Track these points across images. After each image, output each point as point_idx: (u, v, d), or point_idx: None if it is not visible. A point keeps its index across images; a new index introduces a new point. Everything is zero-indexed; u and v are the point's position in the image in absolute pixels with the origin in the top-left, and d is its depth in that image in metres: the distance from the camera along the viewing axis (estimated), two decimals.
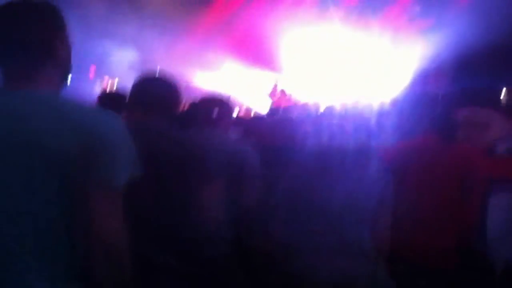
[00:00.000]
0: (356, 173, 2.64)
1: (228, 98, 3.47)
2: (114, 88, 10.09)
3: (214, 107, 3.13)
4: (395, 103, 7.84)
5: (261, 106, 11.32)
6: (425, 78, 11.34)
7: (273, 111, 8.91)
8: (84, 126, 1.50)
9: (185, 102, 10.84)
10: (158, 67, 9.37)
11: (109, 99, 3.86)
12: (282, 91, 11.81)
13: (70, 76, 1.69)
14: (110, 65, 10.32)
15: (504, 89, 9.28)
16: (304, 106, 8.71)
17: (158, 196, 2.30)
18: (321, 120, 5.26)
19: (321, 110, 8.03)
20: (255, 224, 2.98)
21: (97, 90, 9.96)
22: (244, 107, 11.26)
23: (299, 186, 2.72)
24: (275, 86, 12.04)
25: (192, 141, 2.60)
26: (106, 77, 10.70)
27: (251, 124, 4.38)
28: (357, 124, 3.71)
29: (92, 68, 11.29)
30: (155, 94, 2.43)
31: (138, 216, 1.71)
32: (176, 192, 2.30)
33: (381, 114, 6.10)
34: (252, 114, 10.09)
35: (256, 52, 12.15)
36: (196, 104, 3.40)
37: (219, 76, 12.22)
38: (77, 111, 1.54)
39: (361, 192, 2.62)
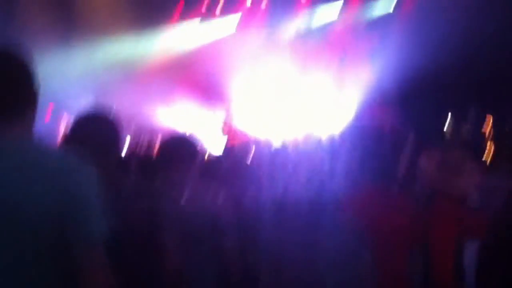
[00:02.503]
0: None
1: (194, 138, 3.21)
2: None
3: (187, 150, 2.92)
4: (342, 137, 8.01)
5: (214, 143, 11.42)
6: (370, 110, 11.56)
7: (227, 151, 8.98)
8: (59, 181, 1.54)
9: (142, 138, 10.90)
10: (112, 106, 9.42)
11: None
12: (233, 127, 11.94)
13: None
14: (68, 102, 10.26)
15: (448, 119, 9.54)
16: (258, 143, 8.82)
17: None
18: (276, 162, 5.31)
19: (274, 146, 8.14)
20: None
21: (55, 127, 9.91)
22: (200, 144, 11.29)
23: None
24: (226, 122, 12.17)
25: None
26: (65, 114, 10.61)
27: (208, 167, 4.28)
28: (311, 170, 3.80)
29: (50, 106, 11.20)
30: (98, 139, 2.22)
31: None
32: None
33: (331, 150, 6.24)
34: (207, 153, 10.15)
35: (207, 89, 12.28)
36: (167, 147, 3.07)
37: (173, 113, 12.30)
38: (51, 163, 1.58)
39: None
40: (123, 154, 6.82)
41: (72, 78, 10.93)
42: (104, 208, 1.61)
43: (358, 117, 11.41)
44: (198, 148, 3.06)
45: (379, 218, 2.85)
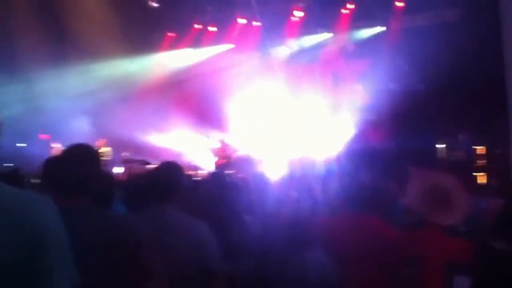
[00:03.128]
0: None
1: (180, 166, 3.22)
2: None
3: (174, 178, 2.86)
4: (338, 159, 8.02)
5: (209, 165, 11.44)
6: (364, 131, 11.58)
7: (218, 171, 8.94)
8: (26, 224, 1.46)
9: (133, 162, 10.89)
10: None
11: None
12: (226, 145, 11.93)
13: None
14: (63, 131, 10.28)
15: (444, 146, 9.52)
16: (251, 163, 8.82)
17: None
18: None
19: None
20: None
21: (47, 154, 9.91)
22: (193, 166, 11.33)
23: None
24: (222, 144, 12.17)
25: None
26: (57, 144, 10.61)
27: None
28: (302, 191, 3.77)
29: (45, 135, 11.25)
30: (71, 174, 2.21)
31: None
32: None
33: (326, 172, 6.21)
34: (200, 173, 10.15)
35: (200, 111, 12.33)
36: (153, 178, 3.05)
37: (169, 137, 12.32)
38: (16, 205, 1.48)
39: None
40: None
41: (66, 99, 10.98)
42: (70, 253, 1.54)
43: (353, 139, 11.44)
44: (185, 177, 3.02)
45: (360, 243, 2.89)
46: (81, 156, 2.31)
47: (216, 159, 11.75)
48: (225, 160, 11.48)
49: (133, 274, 2.17)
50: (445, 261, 2.94)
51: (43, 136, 11.08)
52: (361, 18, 12.33)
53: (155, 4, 13.27)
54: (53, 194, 2.06)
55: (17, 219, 1.46)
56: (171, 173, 2.91)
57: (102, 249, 2.12)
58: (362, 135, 11.41)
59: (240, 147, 12.10)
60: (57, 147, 10.23)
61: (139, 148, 11.80)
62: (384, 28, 12.38)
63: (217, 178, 4.37)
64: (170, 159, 3.31)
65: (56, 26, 11.18)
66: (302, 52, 13.10)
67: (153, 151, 11.57)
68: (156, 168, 3.05)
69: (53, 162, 2.39)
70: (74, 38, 11.43)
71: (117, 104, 11.42)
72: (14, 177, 4.19)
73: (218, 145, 12.15)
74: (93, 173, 2.29)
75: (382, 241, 2.88)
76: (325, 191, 4.30)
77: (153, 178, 2.91)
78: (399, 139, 9.83)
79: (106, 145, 10.81)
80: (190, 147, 12.31)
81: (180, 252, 2.64)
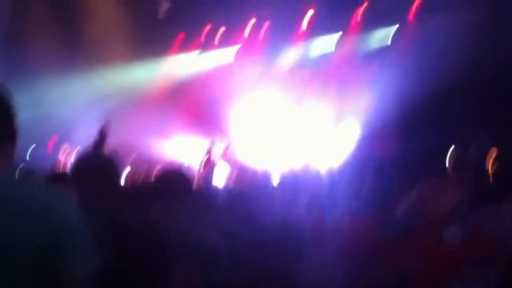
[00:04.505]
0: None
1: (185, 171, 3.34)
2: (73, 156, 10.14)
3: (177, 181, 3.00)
4: (341, 169, 7.94)
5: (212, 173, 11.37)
6: (370, 140, 11.51)
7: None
8: (41, 216, 1.54)
9: (140, 167, 10.89)
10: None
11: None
12: (231, 156, 11.87)
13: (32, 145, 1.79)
14: (71, 134, 10.38)
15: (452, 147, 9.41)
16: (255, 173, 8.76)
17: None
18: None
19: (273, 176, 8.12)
20: None
21: (58, 159, 10.05)
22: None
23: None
24: (225, 151, 12.11)
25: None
26: (66, 146, 10.68)
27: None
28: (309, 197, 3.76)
29: (54, 138, 11.32)
30: (95, 176, 2.40)
31: None
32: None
33: (330, 181, 6.18)
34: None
35: (205, 119, 12.32)
36: (159, 178, 3.28)
37: (172, 142, 12.31)
38: (32, 198, 1.57)
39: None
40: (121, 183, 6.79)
41: (74, 107, 11.07)
42: (92, 241, 1.63)
43: (358, 148, 11.37)
44: (191, 180, 3.15)
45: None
46: (107, 160, 2.57)
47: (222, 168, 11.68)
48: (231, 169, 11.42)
49: (160, 266, 2.28)
50: (442, 269, 2.94)
51: (53, 140, 11.18)
52: (374, 18, 12.19)
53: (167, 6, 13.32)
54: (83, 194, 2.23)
55: (41, 211, 1.57)
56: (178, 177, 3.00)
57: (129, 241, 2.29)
58: (368, 142, 11.34)
59: (243, 156, 12.05)
60: (68, 152, 10.33)
61: (144, 153, 11.80)
62: (396, 28, 12.17)
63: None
64: (174, 165, 3.42)
65: (67, 31, 11.28)
66: (309, 56, 13.04)
67: (158, 157, 11.56)
68: (162, 172, 3.16)
69: (81, 165, 2.56)
70: (85, 43, 11.51)
71: (124, 111, 11.45)
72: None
73: (221, 153, 12.10)
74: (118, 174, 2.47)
75: (371, 248, 3.02)
76: (329, 199, 4.28)
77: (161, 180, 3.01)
78: (409, 145, 9.74)
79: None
80: (194, 154, 12.29)
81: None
